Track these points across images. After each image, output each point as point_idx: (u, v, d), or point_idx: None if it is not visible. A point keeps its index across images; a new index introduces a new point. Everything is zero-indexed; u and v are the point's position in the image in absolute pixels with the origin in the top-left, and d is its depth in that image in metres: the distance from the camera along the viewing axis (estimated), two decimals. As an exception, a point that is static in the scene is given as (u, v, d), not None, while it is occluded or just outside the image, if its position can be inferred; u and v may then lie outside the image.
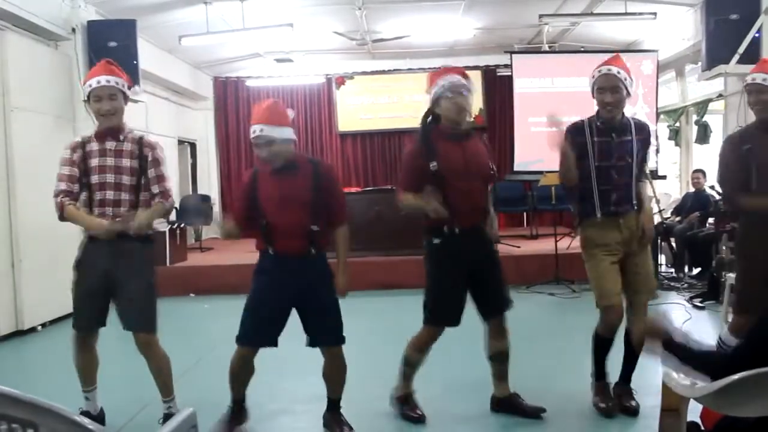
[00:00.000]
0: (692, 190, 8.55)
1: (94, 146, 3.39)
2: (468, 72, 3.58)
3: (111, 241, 3.31)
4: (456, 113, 3.41)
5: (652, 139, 3.53)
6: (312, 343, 3.38)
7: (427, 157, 3.41)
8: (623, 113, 3.55)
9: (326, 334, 3.38)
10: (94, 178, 3.36)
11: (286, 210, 3.23)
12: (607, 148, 3.50)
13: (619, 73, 3.44)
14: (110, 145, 3.38)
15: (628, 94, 3.50)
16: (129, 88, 3.47)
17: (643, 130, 3.61)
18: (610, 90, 3.45)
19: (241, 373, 3.42)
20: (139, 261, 3.40)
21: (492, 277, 3.55)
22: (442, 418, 3.65)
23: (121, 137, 3.40)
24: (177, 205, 9.97)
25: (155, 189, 3.43)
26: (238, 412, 3.48)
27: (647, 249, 3.63)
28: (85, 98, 3.50)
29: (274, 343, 3.35)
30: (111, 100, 3.35)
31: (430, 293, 3.54)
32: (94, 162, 3.36)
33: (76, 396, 3.54)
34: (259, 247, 3.36)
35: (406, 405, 3.65)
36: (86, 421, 1.43)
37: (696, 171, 8.55)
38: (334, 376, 3.49)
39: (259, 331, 3.34)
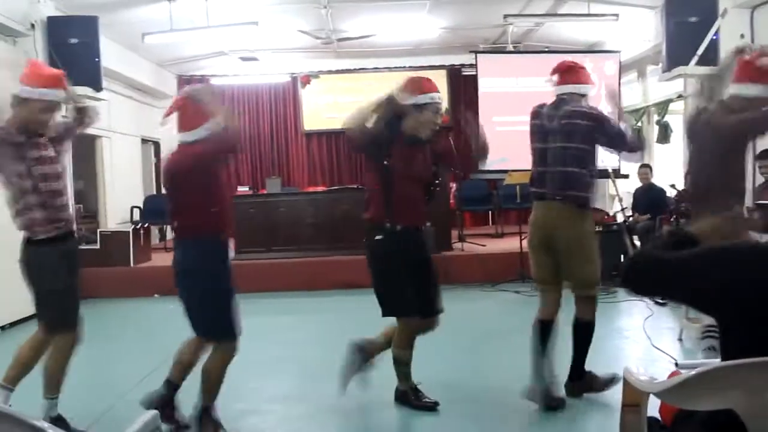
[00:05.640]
0: (640, 185, 8.66)
1: None
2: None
3: None
4: (425, 130, 3.55)
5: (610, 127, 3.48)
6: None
7: (378, 156, 3.54)
8: (574, 101, 3.59)
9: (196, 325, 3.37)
10: None
11: None
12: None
13: None
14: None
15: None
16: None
17: (590, 118, 3.53)
18: None
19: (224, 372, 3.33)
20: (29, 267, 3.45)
21: (426, 282, 3.63)
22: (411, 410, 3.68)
23: None
24: (141, 204, 9.99)
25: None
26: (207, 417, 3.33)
27: (580, 241, 3.57)
28: None
29: None
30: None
31: (382, 288, 3.59)
32: None
33: (38, 400, 3.39)
34: None
35: (414, 398, 3.68)
36: (45, 425, 1.41)
37: (643, 166, 8.62)
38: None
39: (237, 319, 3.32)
